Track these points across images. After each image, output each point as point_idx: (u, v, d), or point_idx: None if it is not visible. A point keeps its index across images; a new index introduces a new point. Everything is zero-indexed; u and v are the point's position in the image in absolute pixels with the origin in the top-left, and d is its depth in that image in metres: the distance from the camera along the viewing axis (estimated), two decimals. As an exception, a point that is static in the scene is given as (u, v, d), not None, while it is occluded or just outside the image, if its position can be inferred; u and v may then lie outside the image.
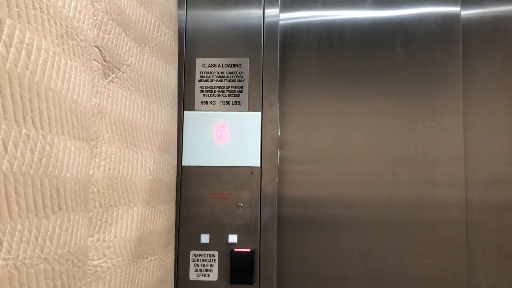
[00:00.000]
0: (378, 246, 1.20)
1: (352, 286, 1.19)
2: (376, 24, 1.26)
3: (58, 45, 0.57)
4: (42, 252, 0.52)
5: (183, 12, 1.25)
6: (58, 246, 0.56)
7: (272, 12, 1.25)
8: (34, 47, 0.50)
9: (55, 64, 0.56)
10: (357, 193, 1.22)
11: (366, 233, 1.20)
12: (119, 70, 0.81)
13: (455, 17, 1.24)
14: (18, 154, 0.47)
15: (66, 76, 0.59)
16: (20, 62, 0.48)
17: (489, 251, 1.18)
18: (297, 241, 1.22)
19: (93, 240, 0.71)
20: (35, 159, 0.50)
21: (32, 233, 0.50)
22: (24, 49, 0.48)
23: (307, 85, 1.25)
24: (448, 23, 1.24)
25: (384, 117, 1.23)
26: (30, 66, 0.49)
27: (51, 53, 0.54)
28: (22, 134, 0.48)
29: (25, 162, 0.48)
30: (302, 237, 1.22)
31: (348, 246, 1.20)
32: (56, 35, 0.56)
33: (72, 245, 0.60)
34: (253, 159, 1.21)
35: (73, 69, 0.61)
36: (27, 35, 0.49)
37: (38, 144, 0.51)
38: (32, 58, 0.50)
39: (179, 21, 1.24)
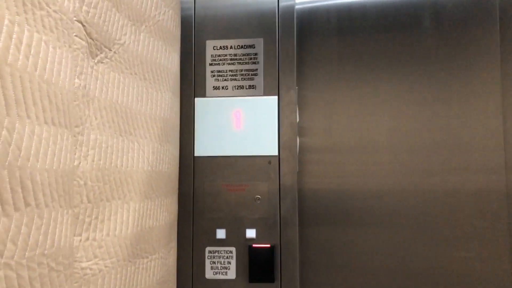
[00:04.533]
0: (409, 238, 1.09)
1: (381, 283, 1.09)
2: (401, 3, 1.13)
3: (18, 14, 0.48)
4: (1, 257, 0.44)
5: None
6: (26, 248, 0.48)
7: (287, -4, 1.14)
8: (-20, 12, 0.42)
9: (14, 36, 0.47)
10: (384, 183, 1.11)
11: (395, 225, 1.09)
12: (110, 50, 0.72)
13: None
14: (-42, 139, 0.39)
15: (32, 51, 0.51)
16: (-42, 29, 0.39)
17: (537, 242, 1.06)
18: (321, 235, 1.12)
19: (81, 240, 0.63)
20: (-15, 146, 0.42)
21: (-16, 234, 0.42)
22: (-37, 13, 0.40)
23: (328, 68, 1.14)
24: (483, -5, 1.11)
25: (413, 101, 1.11)
26: (-27, 35, 0.41)
27: (6, 21, 0.46)
28: (-36, 116, 0.40)
29: (-31, 150, 0.40)
30: (325, 230, 1.12)
31: (376, 240, 1.10)
32: (14, 1, 0.48)
33: (47, 246, 0.52)
34: (270, 148, 1.11)
35: (43, 43, 0.53)
36: (-33, -3, 0.41)
37: (-10, 129, 0.43)
38: (-24, 26, 0.42)
39: (187, 9, 1.15)
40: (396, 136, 1.11)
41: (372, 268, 1.10)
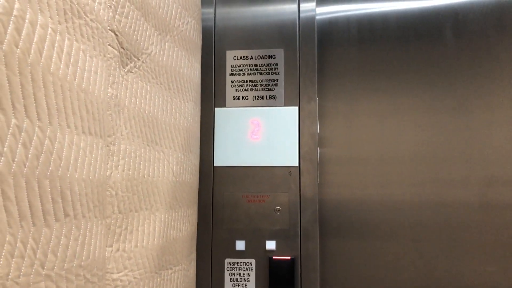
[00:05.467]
0: (431, 252, 1.07)
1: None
2: (423, 14, 1.13)
3: (60, 23, 0.48)
4: (43, 268, 0.44)
5: (212, 10, 1.16)
6: (65, 259, 0.47)
7: (308, 6, 1.14)
8: (26, 21, 0.42)
9: (56, 44, 0.47)
10: (406, 195, 1.09)
11: (417, 238, 1.08)
12: (138, 59, 0.72)
13: (510, -2, 1.10)
14: (5, 149, 0.39)
15: (72, 60, 0.50)
16: (7, 38, 0.39)
17: None
18: (342, 247, 1.10)
19: (112, 251, 0.62)
20: (30, 156, 0.42)
21: (28, 245, 0.41)
22: (12, 21, 0.40)
23: (348, 79, 1.13)
24: (504, 5, 1.10)
25: (434, 111, 1.10)
26: (21, 44, 0.41)
27: (50, 30, 0.46)
28: (11, 125, 0.39)
29: (15, 159, 0.40)
30: (346, 242, 1.10)
31: (398, 252, 1.08)
32: (56, 10, 0.47)
33: (83, 258, 0.51)
34: (290, 158, 1.10)
35: (81, 52, 0.53)
36: (15, 6, 0.40)
37: (34, 138, 0.42)
38: (23, 34, 0.41)
39: (207, 20, 1.15)
40: (417, 146, 1.10)
41: (394, 281, 1.08)
